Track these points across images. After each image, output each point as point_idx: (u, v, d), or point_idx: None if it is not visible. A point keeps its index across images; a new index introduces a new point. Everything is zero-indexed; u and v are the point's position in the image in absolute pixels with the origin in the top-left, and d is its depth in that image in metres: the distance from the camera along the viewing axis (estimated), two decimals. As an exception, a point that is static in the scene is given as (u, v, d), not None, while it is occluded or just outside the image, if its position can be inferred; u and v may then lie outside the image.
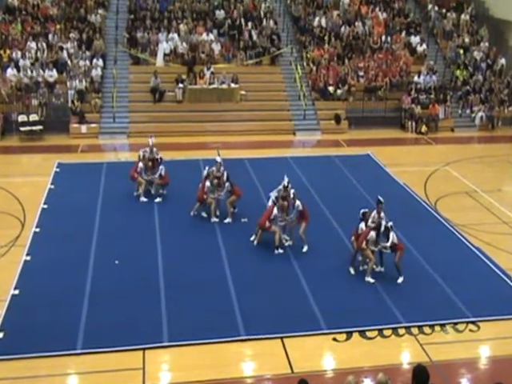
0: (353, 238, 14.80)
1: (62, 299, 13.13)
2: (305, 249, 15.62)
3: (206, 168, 17.40)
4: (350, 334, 12.34)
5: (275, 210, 15.38)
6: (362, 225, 14.53)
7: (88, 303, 13.03)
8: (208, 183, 17.02)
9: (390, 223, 14.24)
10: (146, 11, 30.84)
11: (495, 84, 29.92)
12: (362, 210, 14.70)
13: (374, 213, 14.66)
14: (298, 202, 15.52)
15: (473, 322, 12.81)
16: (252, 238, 15.95)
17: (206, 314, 12.73)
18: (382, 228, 14.17)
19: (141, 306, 13.00)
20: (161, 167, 18.66)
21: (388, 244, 14.13)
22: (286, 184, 15.83)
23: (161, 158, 18.87)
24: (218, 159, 17.73)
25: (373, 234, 14.15)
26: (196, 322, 12.50)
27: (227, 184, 17.19)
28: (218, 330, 12.19)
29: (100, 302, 13.08)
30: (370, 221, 14.57)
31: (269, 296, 13.54)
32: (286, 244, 15.83)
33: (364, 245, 14.12)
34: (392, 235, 14.12)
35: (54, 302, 12.99)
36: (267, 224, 15.35)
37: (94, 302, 13.09)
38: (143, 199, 18.58)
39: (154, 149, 18.97)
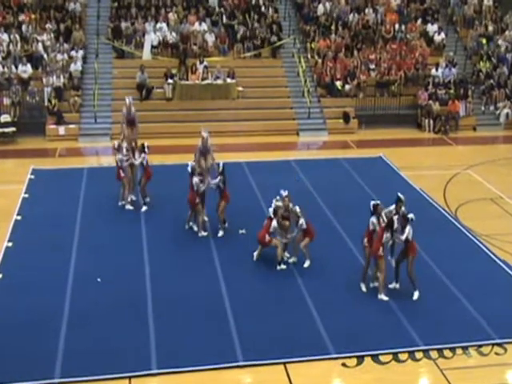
0: (365, 240, 14.54)
1: (37, 322, 13.08)
2: (306, 264, 15.64)
3: (189, 164, 17.23)
4: (361, 359, 12.31)
5: (274, 223, 15.37)
6: (374, 219, 14.31)
7: (67, 326, 13.00)
8: (196, 179, 16.89)
9: (411, 215, 14.09)
10: (131, -2, 31.02)
11: (522, 77, 30.05)
12: (372, 202, 14.53)
13: (392, 208, 14.54)
14: (301, 221, 15.44)
15: (499, 345, 12.79)
16: (255, 253, 15.95)
17: (199, 338, 12.71)
18: (395, 225, 14.10)
19: (126, 328, 12.98)
20: (143, 155, 18.52)
21: (403, 238, 14.05)
22: (285, 195, 15.75)
23: (147, 147, 18.66)
24: (204, 134, 17.78)
25: (388, 235, 14.08)
26: (188, 346, 12.48)
27: (220, 178, 17.01)
28: (212, 355, 12.16)
29: (80, 324, 13.05)
30: (384, 212, 14.40)
31: (270, 316, 13.52)
32: (290, 261, 15.81)
33: (381, 251, 14.00)
34: (409, 229, 13.98)
35: (29, 326, 12.94)
36: (267, 238, 15.35)
37: (74, 324, 13.05)
38: (129, 207, 18.67)
39: (133, 109, 19.23)
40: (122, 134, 19.66)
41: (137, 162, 18.67)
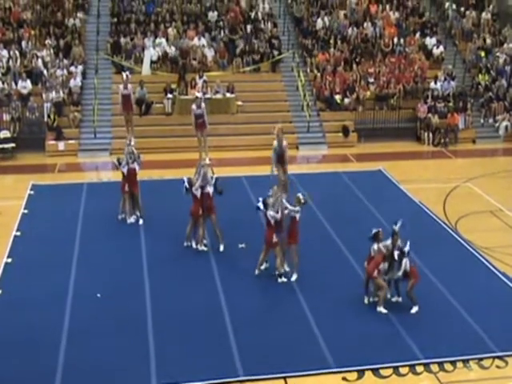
0: (366, 263, 14.63)
1: (37, 339, 13.06)
2: (294, 277, 15.60)
3: (185, 178, 17.14)
4: (361, 373, 12.30)
5: (270, 213, 15.11)
6: (375, 246, 14.36)
7: (66, 342, 12.99)
8: (198, 180, 16.81)
9: (407, 248, 14.15)
10: (131, 14, 31.16)
11: (521, 90, 30.11)
12: (373, 230, 14.55)
13: (389, 242, 14.56)
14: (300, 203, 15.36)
15: (500, 357, 12.77)
16: (261, 268, 15.95)
17: (199, 352, 12.71)
18: (396, 257, 14.14)
19: (126, 344, 12.97)
20: (141, 156, 18.63)
21: (400, 273, 14.14)
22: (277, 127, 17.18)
23: (141, 162, 18.70)
24: (199, 94, 17.97)
25: (384, 265, 14.15)
26: (188, 361, 12.46)
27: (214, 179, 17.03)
28: (213, 370, 12.15)
29: (80, 340, 13.03)
30: (382, 245, 14.47)
31: (270, 330, 13.52)
32: (293, 279, 15.69)
33: (376, 273, 14.08)
34: (405, 262, 14.07)
35: (28, 343, 12.92)
36: (274, 239, 15.26)
37: (74, 340, 13.04)
38: (131, 220, 18.68)
39: (129, 85, 19.61)
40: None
41: (132, 143, 18.58)
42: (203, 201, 16.88)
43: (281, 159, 18.52)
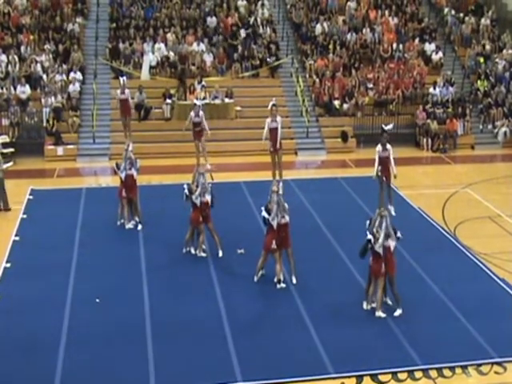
0: (370, 259, 14.45)
1: (36, 344, 13.07)
2: (294, 280, 15.68)
3: (185, 186, 17.15)
4: (360, 379, 12.31)
5: (272, 214, 15.23)
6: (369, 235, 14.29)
7: (64, 350, 12.95)
8: (197, 188, 16.84)
9: (399, 235, 14.15)
10: (130, 19, 31.22)
11: (520, 96, 30.20)
12: (367, 221, 14.59)
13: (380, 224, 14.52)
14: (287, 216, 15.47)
15: (498, 363, 12.79)
16: (259, 274, 15.96)
17: (198, 359, 12.71)
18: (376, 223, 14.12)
19: (125, 350, 12.98)
20: (138, 161, 18.63)
21: (380, 241, 13.97)
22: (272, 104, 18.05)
23: (139, 168, 18.75)
24: (197, 102, 18.14)
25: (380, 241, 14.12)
26: (187, 368, 12.47)
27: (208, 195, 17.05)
28: (211, 377, 12.16)
29: (78, 348, 13.00)
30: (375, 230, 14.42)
31: (269, 336, 13.55)
32: (294, 282, 15.81)
33: (383, 269, 14.04)
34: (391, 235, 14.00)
35: (26, 349, 12.92)
36: (273, 245, 15.31)
37: (72, 346, 13.04)
38: (129, 226, 18.69)
39: (127, 90, 19.87)
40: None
41: (130, 148, 18.63)
42: (202, 209, 16.91)
43: (273, 136, 18.68)
